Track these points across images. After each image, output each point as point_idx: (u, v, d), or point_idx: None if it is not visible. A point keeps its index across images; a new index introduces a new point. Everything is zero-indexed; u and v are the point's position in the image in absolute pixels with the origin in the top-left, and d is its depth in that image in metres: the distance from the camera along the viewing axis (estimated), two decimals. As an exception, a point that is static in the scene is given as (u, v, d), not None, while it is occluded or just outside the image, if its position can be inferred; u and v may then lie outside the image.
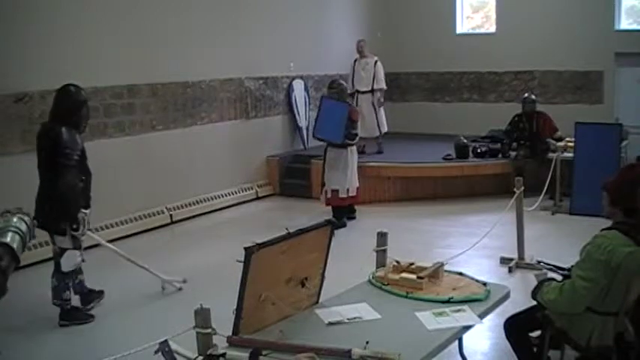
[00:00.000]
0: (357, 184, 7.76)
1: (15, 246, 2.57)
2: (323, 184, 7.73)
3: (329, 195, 7.60)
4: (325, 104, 7.82)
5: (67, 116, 4.88)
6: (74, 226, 4.84)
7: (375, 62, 9.70)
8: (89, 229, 5.13)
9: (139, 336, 4.23)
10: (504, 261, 6.19)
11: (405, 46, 12.11)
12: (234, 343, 2.79)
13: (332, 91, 7.80)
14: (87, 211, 4.92)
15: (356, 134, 7.65)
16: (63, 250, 4.93)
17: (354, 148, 7.76)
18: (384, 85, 9.79)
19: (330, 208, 7.67)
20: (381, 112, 9.84)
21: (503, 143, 9.31)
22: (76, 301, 5.19)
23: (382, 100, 9.85)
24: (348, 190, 7.59)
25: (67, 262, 4.94)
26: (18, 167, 6.12)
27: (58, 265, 4.97)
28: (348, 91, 9.85)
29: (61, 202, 4.78)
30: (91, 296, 5.36)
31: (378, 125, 9.79)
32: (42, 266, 6.05)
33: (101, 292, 5.47)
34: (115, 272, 5.98)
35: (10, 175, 6.21)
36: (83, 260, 5.08)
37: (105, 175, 7.32)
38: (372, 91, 9.69)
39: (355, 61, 9.82)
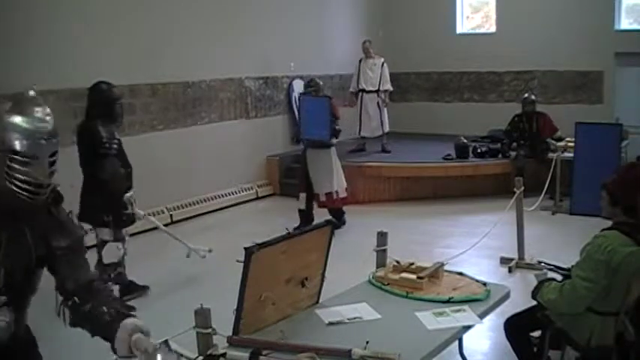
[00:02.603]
0: (345, 184, 7.59)
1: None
2: (306, 188, 7.45)
3: (322, 198, 7.39)
4: (305, 103, 7.64)
5: (101, 113, 5.04)
6: (124, 210, 5.02)
7: (382, 63, 9.81)
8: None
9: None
10: (504, 261, 6.19)
11: (405, 46, 12.11)
12: (234, 343, 2.79)
13: (309, 90, 7.69)
14: (131, 193, 5.08)
15: (339, 130, 7.44)
16: (104, 242, 5.01)
17: (334, 148, 7.54)
18: (390, 87, 9.93)
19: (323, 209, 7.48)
20: (385, 112, 9.91)
21: (503, 143, 9.32)
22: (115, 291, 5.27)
23: (387, 100, 9.93)
24: (337, 192, 7.42)
25: (109, 254, 5.07)
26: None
27: (99, 257, 5.09)
28: (352, 90, 9.97)
29: (105, 190, 4.94)
30: (132, 288, 5.44)
31: (382, 125, 9.85)
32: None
33: (145, 288, 5.51)
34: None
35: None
36: (125, 253, 5.21)
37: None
38: (378, 91, 9.75)
39: (360, 61, 9.87)
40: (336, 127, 7.38)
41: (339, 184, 7.48)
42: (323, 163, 7.39)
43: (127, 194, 5.05)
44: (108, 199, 4.96)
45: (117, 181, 4.98)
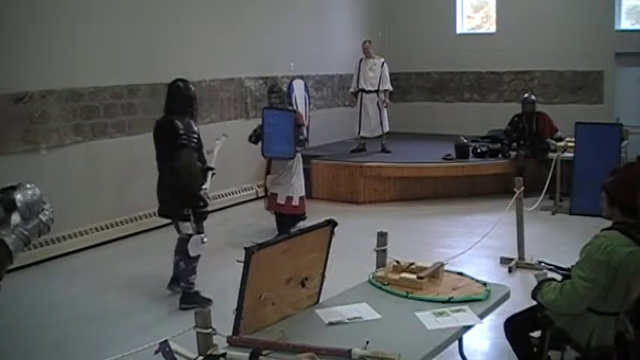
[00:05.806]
0: (302, 194, 7.22)
1: (12, 248, 2.92)
2: (267, 189, 7.33)
3: (281, 201, 7.10)
4: (268, 118, 7.06)
5: (180, 111, 5.14)
6: (201, 204, 5.06)
7: (383, 63, 9.80)
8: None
9: (139, 336, 4.25)
10: (504, 261, 6.19)
11: (405, 46, 12.12)
12: (234, 343, 2.79)
13: (273, 96, 7.18)
14: (205, 187, 5.14)
15: (304, 140, 7.16)
16: (189, 236, 5.04)
17: (300, 155, 7.25)
18: (390, 87, 9.91)
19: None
20: (385, 112, 9.92)
21: (503, 143, 9.32)
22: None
23: (387, 100, 9.93)
24: (291, 198, 7.07)
25: (194, 248, 5.15)
26: (18, 167, 6.11)
27: (186, 251, 5.16)
28: (352, 90, 9.97)
29: (182, 183, 4.97)
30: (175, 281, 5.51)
31: (381, 125, 9.85)
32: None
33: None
34: (117, 272, 5.98)
35: (10, 175, 6.19)
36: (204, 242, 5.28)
37: (105, 174, 7.34)
38: (378, 91, 9.75)
39: (361, 60, 9.87)
40: (301, 137, 7.06)
41: (295, 191, 7.13)
42: (283, 169, 7.10)
43: (203, 190, 5.09)
44: (183, 192, 4.98)
45: (192, 173, 4.98)
